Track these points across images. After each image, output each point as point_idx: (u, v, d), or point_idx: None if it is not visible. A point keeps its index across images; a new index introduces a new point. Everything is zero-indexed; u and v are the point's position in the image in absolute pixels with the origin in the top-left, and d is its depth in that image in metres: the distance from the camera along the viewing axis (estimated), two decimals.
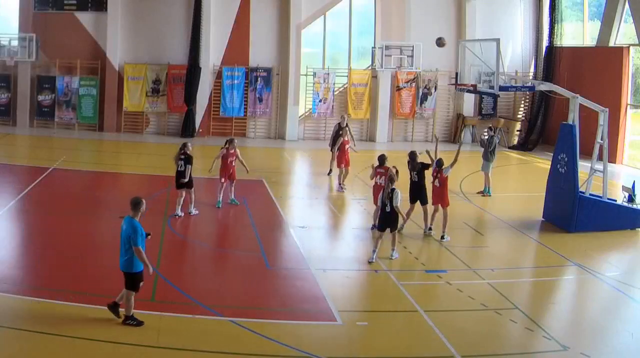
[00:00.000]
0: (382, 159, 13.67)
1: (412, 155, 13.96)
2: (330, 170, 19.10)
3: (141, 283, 8.94)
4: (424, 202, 13.75)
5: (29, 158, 21.11)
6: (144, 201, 9.06)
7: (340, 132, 18.75)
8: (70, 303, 9.30)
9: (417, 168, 13.78)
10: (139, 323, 8.81)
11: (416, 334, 9.14)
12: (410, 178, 13.93)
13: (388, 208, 11.82)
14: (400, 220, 12.59)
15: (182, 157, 14.36)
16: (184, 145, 14.60)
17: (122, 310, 8.92)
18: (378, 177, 13.51)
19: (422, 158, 14.20)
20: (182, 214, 14.35)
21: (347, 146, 18.05)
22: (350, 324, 9.37)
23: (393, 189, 11.83)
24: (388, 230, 11.96)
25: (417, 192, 13.80)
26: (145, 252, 11.70)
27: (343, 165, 17.91)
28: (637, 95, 24.17)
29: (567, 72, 25.11)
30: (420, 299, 10.27)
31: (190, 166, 14.35)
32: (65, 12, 25.77)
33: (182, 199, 14.41)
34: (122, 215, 13.89)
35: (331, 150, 18.92)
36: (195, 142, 25.29)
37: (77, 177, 18.53)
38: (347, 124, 19.27)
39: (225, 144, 15.74)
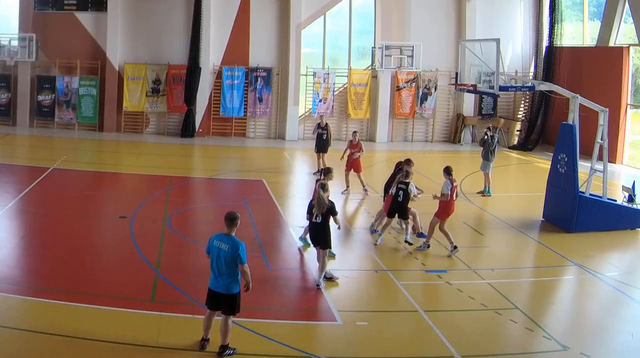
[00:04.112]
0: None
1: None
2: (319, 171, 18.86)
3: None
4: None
5: (29, 158, 21.09)
6: (239, 216, 8.32)
7: (321, 132, 18.87)
8: (70, 303, 9.29)
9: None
10: (234, 352, 8.17)
11: (416, 334, 9.14)
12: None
13: (400, 199, 12.65)
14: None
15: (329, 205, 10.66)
16: (325, 187, 10.75)
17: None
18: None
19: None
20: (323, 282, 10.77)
21: (352, 150, 17.63)
22: (350, 324, 9.37)
23: (408, 183, 12.67)
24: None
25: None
26: (146, 251, 11.83)
27: (346, 169, 17.61)
28: (637, 95, 24.17)
29: (567, 72, 25.12)
30: (420, 299, 10.28)
31: (335, 218, 10.86)
32: (65, 12, 25.78)
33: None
34: (123, 215, 14.06)
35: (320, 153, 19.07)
36: (195, 142, 25.43)
37: (77, 177, 18.53)
38: (327, 123, 19.28)
39: (321, 176, 12.65)
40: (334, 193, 13.10)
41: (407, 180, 12.74)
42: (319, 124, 19.38)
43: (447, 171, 12.64)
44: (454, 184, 12.53)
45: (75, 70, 25.87)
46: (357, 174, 17.51)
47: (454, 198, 12.54)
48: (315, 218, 10.64)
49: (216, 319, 8.35)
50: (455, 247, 12.43)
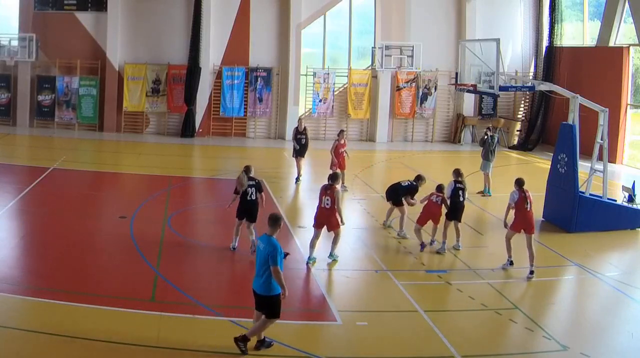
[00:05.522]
0: (440, 187, 13.14)
1: (418, 178, 13.93)
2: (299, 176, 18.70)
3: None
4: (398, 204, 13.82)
5: (29, 158, 21.11)
6: (282, 217, 8.48)
7: (299, 137, 18.44)
8: (70, 303, 9.30)
9: (411, 183, 13.85)
10: (270, 345, 8.29)
11: (416, 334, 9.14)
12: (399, 182, 13.99)
13: (461, 198, 12.79)
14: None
15: (252, 183, 11.99)
16: (249, 169, 12.16)
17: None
18: (435, 196, 13.01)
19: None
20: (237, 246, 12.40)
21: (341, 150, 17.74)
22: (350, 324, 9.37)
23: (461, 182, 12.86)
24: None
25: (394, 194, 13.92)
26: (146, 251, 11.83)
27: (335, 167, 17.58)
28: (637, 95, 24.18)
29: (567, 72, 25.12)
30: (420, 299, 10.28)
31: (261, 195, 12.06)
32: (65, 12, 25.79)
33: (239, 229, 12.31)
34: (123, 215, 14.06)
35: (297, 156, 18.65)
36: (195, 142, 25.43)
37: (77, 177, 18.53)
38: (305, 126, 18.73)
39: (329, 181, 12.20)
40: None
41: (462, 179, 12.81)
42: (296, 128, 18.79)
43: (518, 183, 12.02)
44: (526, 195, 11.82)
45: (75, 70, 25.86)
46: (341, 172, 17.30)
47: (527, 209, 11.74)
48: (250, 196, 11.94)
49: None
50: (512, 263, 11.87)
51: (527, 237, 11.64)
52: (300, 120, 19.46)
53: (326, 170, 17.75)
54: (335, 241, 11.94)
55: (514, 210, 11.89)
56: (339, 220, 11.75)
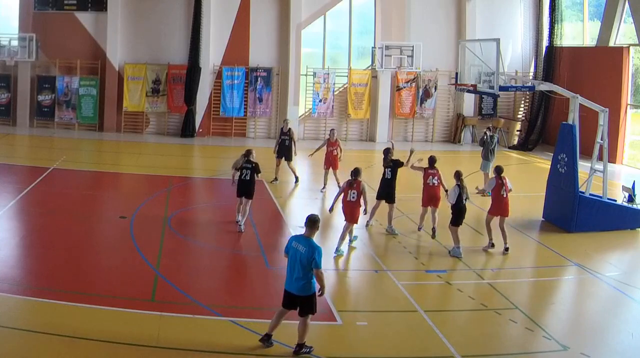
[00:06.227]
0: (432, 160, 13.51)
1: (386, 152, 14.12)
2: (276, 178, 18.45)
3: None
4: (391, 201, 13.79)
5: (29, 158, 21.10)
6: (320, 219, 8.49)
7: (283, 138, 18.29)
8: (70, 303, 9.30)
9: (389, 165, 13.87)
10: (311, 350, 8.28)
11: (416, 334, 9.14)
12: (383, 174, 14.05)
13: (464, 202, 12.60)
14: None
15: (248, 166, 13.34)
16: (248, 153, 13.47)
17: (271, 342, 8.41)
18: (431, 177, 13.40)
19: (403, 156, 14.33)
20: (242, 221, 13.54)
21: (330, 148, 17.60)
22: (350, 324, 9.38)
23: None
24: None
25: (386, 189, 13.90)
26: (146, 252, 11.83)
27: (327, 166, 17.54)
28: (637, 95, 24.17)
29: (567, 72, 25.13)
30: (420, 299, 10.28)
31: (257, 175, 13.43)
32: (65, 12, 25.79)
33: (240, 207, 13.55)
34: (123, 215, 14.06)
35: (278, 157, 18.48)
36: (195, 142, 25.43)
37: (77, 177, 18.53)
38: (289, 128, 18.61)
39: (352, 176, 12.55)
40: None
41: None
42: (281, 128, 18.71)
43: (497, 170, 13.15)
44: (503, 182, 12.84)
45: (75, 70, 25.86)
46: (333, 172, 17.43)
47: (504, 196, 12.82)
48: (245, 177, 13.29)
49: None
50: (493, 245, 12.85)
51: (500, 219, 12.85)
52: (285, 121, 19.33)
53: (322, 170, 17.80)
54: (342, 237, 12.39)
55: (491, 195, 13.07)
56: (362, 211, 12.35)
